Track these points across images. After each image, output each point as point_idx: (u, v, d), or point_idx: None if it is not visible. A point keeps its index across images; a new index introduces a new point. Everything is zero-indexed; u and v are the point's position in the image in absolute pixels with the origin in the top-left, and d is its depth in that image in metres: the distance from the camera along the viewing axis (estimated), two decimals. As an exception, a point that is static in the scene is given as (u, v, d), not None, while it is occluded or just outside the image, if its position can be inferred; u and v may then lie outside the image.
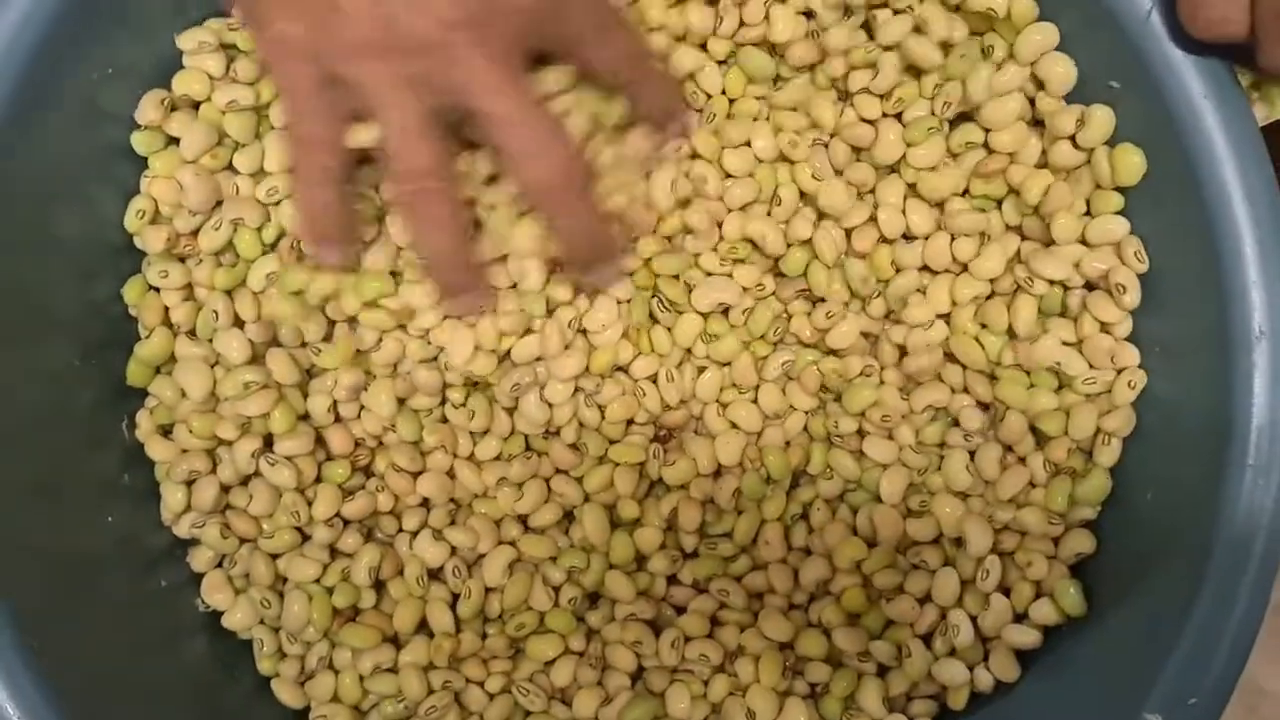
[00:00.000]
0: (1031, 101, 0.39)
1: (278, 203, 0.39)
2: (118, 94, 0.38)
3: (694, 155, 0.40)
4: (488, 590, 0.40)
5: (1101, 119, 0.37)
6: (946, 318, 0.40)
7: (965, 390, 0.40)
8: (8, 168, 0.35)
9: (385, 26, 0.30)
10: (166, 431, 0.40)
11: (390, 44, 0.30)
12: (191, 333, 0.39)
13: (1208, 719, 0.34)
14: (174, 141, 0.39)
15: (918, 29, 0.38)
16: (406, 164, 0.32)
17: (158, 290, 0.40)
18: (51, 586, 0.35)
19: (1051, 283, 0.38)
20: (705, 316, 0.40)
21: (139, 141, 0.38)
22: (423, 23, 0.29)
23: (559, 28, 0.33)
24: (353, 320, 0.39)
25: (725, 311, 0.40)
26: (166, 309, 0.40)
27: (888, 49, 0.39)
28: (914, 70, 0.39)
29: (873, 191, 0.40)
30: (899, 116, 0.40)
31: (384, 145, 0.33)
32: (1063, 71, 0.38)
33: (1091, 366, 0.38)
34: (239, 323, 0.39)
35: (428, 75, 0.31)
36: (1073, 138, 0.38)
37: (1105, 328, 0.38)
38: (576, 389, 0.40)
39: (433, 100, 0.31)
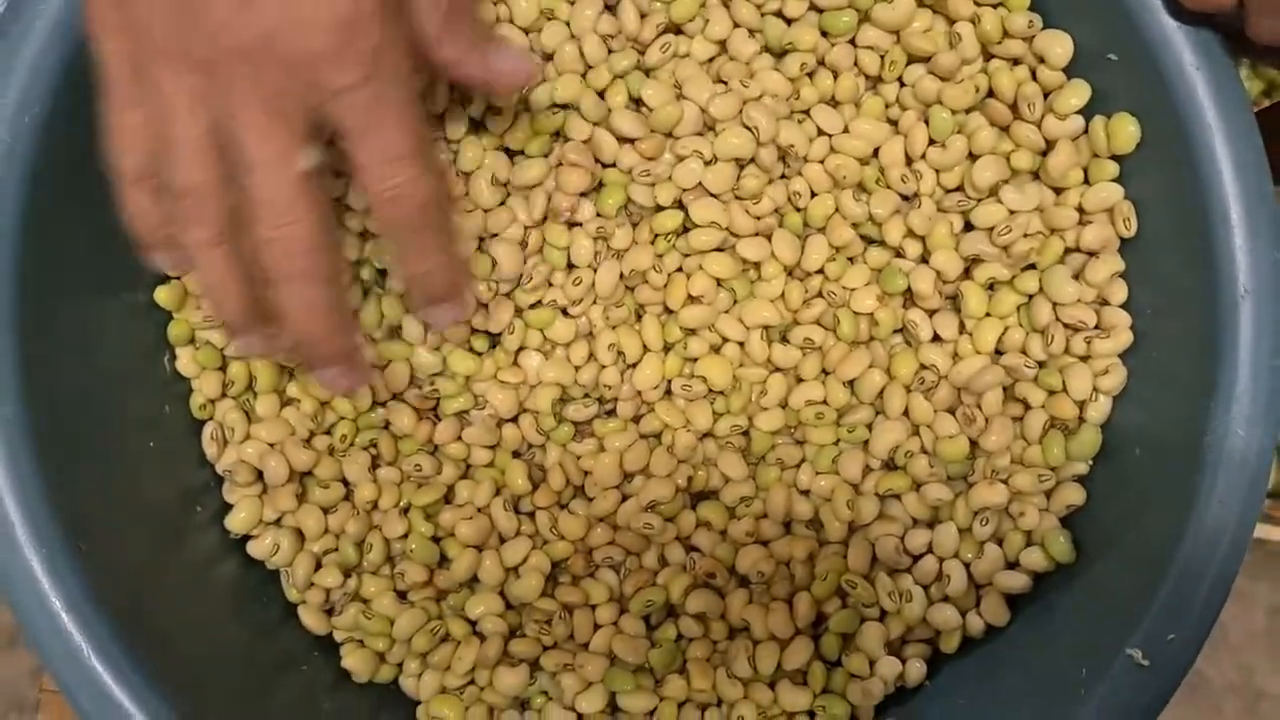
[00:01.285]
0: (1034, 74, 0.41)
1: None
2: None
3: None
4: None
5: (1077, 89, 0.39)
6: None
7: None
8: (74, 121, 0.37)
9: (175, 34, 0.28)
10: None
11: (179, 53, 0.29)
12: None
13: (1185, 655, 0.35)
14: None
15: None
16: (174, 176, 0.31)
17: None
18: (101, 496, 0.37)
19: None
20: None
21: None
22: (207, 42, 0.28)
23: (336, 107, 0.29)
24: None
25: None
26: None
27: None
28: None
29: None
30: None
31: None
32: (1062, 50, 0.40)
33: (1086, 327, 0.40)
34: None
35: (209, 94, 0.29)
36: (1051, 109, 0.40)
37: (1098, 289, 0.40)
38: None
39: (212, 118, 0.29)
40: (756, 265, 0.42)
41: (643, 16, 0.41)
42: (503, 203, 0.42)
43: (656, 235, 0.42)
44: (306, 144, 0.30)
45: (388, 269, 0.41)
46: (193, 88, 0.29)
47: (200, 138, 0.29)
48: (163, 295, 0.41)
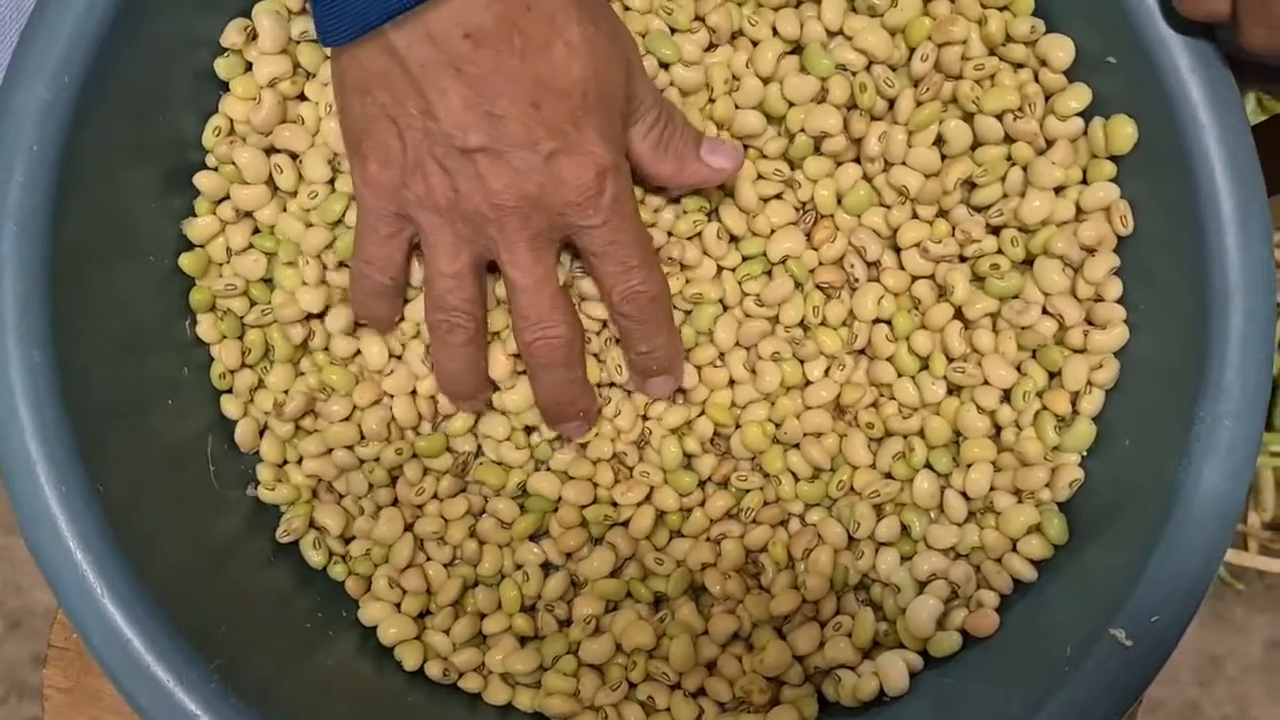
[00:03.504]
0: (1036, 76, 0.42)
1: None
2: (206, 23, 0.42)
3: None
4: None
5: (1078, 92, 0.41)
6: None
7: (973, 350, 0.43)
8: (112, 84, 0.39)
9: (453, 196, 0.36)
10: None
11: (454, 210, 0.37)
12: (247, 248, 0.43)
13: (1169, 636, 0.36)
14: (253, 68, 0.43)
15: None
16: (439, 297, 0.39)
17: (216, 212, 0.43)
18: (120, 445, 0.39)
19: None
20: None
21: (222, 67, 0.42)
22: (483, 202, 0.36)
23: (584, 238, 0.38)
24: None
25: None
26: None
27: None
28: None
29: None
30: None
31: (426, 278, 0.39)
32: (1063, 54, 0.41)
33: (1082, 323, 0.41)
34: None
35: (476, 237, 0.37)
36: (1052, 110, 0.41)
37: (1095, 286, 0.41)
38: None
39: (474, 255, 0.38)
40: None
41: None
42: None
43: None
44: (557, 266, 0.39)
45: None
46: (458, 234, 0.37)
47: (462, 272, 0.38)
48: (187, 262, 0.43)
